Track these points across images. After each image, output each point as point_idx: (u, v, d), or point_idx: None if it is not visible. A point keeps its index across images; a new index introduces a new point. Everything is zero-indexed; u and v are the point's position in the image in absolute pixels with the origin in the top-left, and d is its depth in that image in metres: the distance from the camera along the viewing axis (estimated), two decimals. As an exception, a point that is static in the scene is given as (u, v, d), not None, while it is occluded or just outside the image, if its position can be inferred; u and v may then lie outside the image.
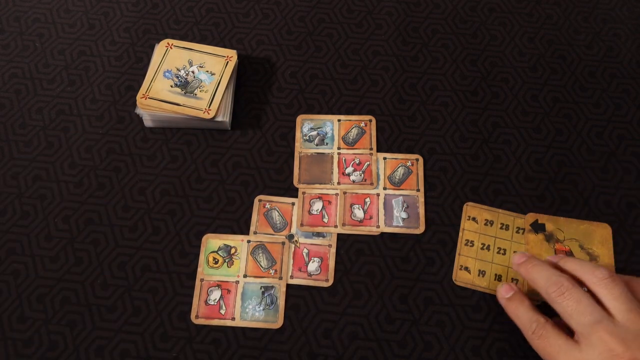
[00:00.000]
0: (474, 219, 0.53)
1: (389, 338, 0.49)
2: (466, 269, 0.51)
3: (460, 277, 0.51)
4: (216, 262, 0.51)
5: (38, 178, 0.55)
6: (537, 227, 0.52)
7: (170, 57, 0.58)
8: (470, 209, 0.53)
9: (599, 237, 0.52)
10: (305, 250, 0.52)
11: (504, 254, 0.52)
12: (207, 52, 0.58)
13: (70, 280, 0.51)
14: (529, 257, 0.46)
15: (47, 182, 0.55)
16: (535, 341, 0.43)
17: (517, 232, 0.52)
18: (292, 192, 0.55)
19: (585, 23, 0.63)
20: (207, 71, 0.57)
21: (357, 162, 0.56)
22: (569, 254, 0.51)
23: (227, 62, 0.58)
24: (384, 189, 0.54)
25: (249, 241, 0.52)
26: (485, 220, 0.53)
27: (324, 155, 0.56)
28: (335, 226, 0.53)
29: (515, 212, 0.53)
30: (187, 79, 0.57)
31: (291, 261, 0.52)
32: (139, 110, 0.56)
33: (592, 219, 0.53)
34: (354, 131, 0.57)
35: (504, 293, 0.47)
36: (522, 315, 0.45)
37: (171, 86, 0.56)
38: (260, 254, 0.52)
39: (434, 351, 0.48)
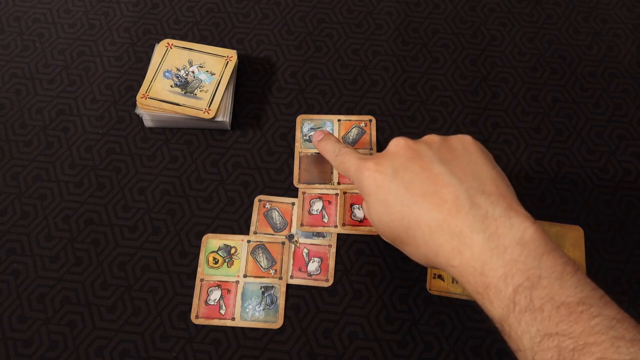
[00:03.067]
0: None
1: (389, 338, 0.49)
2: (439, 277, 0.51)
3: (435, 286, 0.50)
4: (216, 262, 0.51)
5: (38, 178, 0.55)
6: None
7: (170, 57, 0.58)
8: None
9: (571, 239, 0.52)
10: (305, 250, 0.52)
11: None
12: (207, 52, 0.58)
13: (70, 280, 0.51)
14: (325, 134, 0.51)
15: (47, 182, 0.55)
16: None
17: None
18: (292, 192, 0.55)
19: (585, 23, 0.63)
20: (207, 71, 0.57)
21: (357, 162, 0.56)
22: None
23: (227, 62, 0.58)
24: (384, 189, 0.54)
25: (249, 241, 0.52)
26: None
27: (324, 155, 0.56)
28: (335, 226, 0.53)
29: None
30: (187, 79, 0.57)
31: (291, 261, 0.52)
32: (139, 110, 0.56)
33: (592, 219, 0.53)
34: (354, 131, 0.57)
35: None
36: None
37: (171, 86, 0.56)
38: (260, 254, 0.52)
39: (434, 351, 0.48)
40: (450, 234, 0.37)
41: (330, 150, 0.48)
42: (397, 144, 0.43)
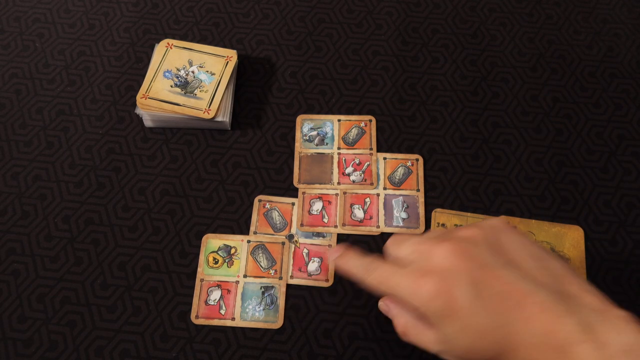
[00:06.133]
0: (443, 225, 0.53)
1: (389, 338, 0.49)
2: None
3: None
4: (216, 262, 0.51)
5: (38, 178, 0.55)
6: None
7: (170, 57, 0.58)
8: (439, 215, 0.53)
9: (571, 239, 0.52)
10: (305, 250, 0.52)
11: None
12: (207, 52, 0.58)
13: (70, 280, 0.51)
14: (345, 250, 0.43)
15: (47, 182, 0.55)
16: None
17: None
18: (292, 192, 0.55)
19: (585, 23, 0.63)
20: (207, 71, 0.57)
21: (357, 162, 0.56)
22: None
23: (227, 62, 0.58)
24: (384, 189, 0.54)
25: (249, 241, 0.52)
26: (455, 225, 0.52)
27: (324, 155, 0.56)
28: (335, 226, 0.53)
29: (483, 215, 0.53)
30: (187, 79, 0.57)
31: (291, 261, 0.52)
32: (139, 110, 0.56)
33: (592, 219, 0.53)
34: (354, 131, 0.57)
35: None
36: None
37: (171, 86, 0.56)
38: (260, 254, 0.52)
39: (434, 351, 0.48)
40: (553, 349, 0.32)
41: (357, 267, 0.41)
42: (445, 252, 0.36)
